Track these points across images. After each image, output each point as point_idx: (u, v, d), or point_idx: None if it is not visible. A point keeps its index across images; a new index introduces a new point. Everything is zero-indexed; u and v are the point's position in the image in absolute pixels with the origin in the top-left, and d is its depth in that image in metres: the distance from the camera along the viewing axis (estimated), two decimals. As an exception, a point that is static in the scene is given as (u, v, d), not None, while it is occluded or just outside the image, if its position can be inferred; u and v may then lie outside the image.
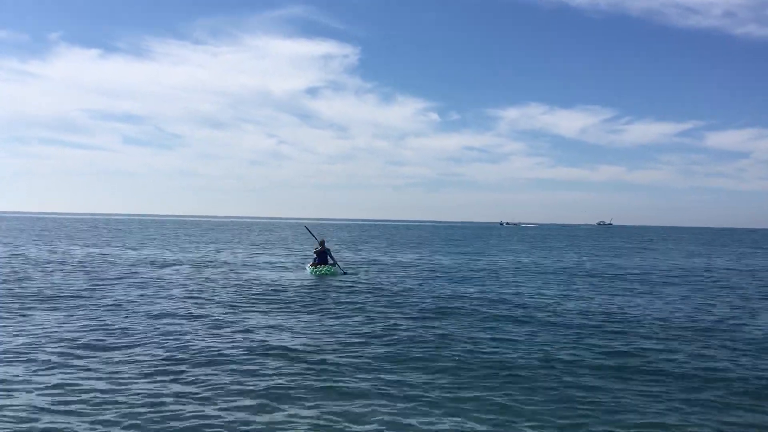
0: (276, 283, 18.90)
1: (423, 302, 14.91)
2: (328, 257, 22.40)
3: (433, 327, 11.61)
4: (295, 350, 9.48)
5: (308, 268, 22.34)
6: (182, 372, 8.16)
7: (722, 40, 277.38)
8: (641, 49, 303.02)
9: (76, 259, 25.79)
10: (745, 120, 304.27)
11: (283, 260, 28.26)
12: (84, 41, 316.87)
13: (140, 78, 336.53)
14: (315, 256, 22.55)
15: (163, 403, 6.89)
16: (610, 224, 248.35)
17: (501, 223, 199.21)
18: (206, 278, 19.68)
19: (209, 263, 25.69)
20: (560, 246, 52.78)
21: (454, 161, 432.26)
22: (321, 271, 21.57)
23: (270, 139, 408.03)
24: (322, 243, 22.69)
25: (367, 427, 6.37)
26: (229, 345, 9.75)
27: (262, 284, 18.32)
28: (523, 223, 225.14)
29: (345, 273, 21.91)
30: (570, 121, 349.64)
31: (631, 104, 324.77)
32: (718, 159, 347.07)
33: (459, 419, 6.61)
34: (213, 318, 12.23)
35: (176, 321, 11.81)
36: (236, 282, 18.77)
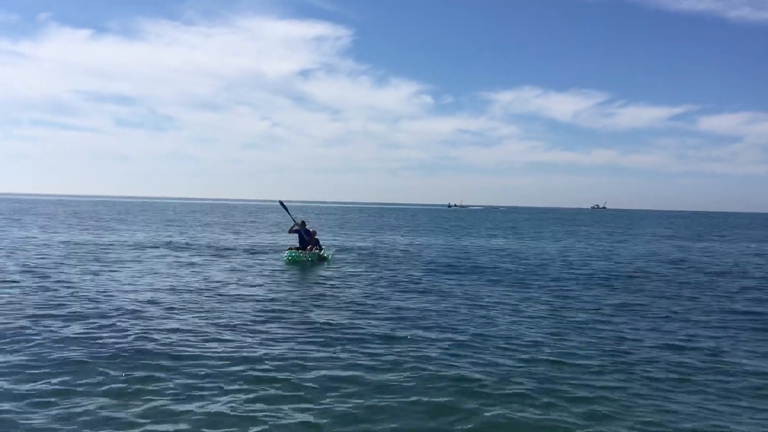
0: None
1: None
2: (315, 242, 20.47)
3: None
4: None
5: (287, 253, 19.94)
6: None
7: (716, 24, 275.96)
8: (635, 32, 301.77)
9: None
10: (738, 104, 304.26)
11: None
12: (74, 21, 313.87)
13: (132, 59, 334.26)
14: (298, 234, 20.40)
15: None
16: (604, 208, 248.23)
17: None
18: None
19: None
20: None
21: (449, 145, 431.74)
22: (303, 257, 19.53)
23: (264, 122, 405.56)
24: (303, 224, 20.96)
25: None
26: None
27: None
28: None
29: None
30: (563, 105, 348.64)
31: (624, 88, 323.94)
32: (712, 143, 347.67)
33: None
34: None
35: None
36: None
